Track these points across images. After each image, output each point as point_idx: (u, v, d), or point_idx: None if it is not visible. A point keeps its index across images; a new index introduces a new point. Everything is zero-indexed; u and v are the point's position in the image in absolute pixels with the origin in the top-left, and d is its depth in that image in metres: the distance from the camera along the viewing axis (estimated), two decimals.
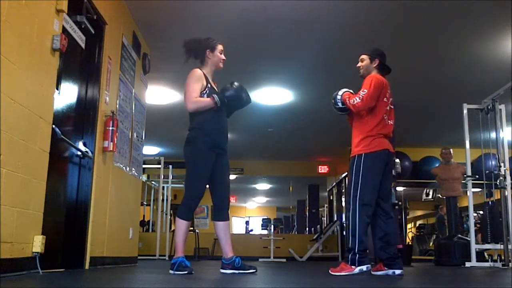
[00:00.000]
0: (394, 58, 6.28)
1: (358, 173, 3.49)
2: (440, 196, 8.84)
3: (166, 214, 10.27)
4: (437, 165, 8.33)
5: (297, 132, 9.62)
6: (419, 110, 8.28)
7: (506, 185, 5.79)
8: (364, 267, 3.39)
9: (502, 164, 5.83)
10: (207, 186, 3.52)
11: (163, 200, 10.23)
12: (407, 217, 13.10)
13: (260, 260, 9.62)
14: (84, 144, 3.89)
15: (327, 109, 4.33)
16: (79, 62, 3.88)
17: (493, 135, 6.12)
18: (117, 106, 4.54)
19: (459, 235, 7.15)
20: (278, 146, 11.01)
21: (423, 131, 9.62)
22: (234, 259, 3.45)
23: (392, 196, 7.63)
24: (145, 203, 12.21)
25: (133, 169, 5.18)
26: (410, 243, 12.30)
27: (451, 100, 7.36)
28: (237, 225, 19.00)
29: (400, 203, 9.03)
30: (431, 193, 12.10)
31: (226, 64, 3.74)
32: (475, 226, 7.28)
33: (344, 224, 3.55)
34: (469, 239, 6.46)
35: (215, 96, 3.43)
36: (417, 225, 15.49)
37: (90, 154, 3.88)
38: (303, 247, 10.97)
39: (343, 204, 10.43)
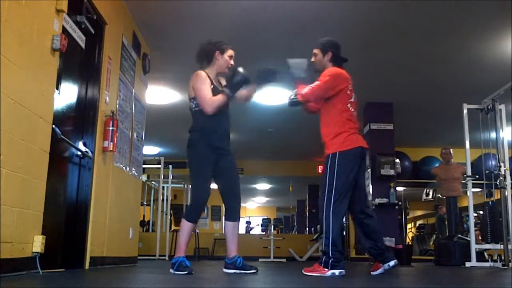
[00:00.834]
0: (394, 58, 6.34)
1: (332, 173, 3.40)
2: (440, 196, 8.84)
3: (166, 214, 10.27)
4: (437, 165, 8.33)
5: (297, 132, 9.62)
6: (419, 110, 8.29)
7: (506, 185, 5.79)
8: (336, 272, 3.26)
9: (502, 164, 5.83)
10: (217, 187, 3.55)
11: (163, 200, 10.23)
12: (407, 217, 13.09)
13: (260, 260, 9.62)
14: (84, 144, 3.89)
15: None
16: (79, 62, 3.88)
17: (493, 135, 6.12)
18: (117, 106, 4.54)
19: (459, 235, 7.15)
20: (278, 146, 11.01)
21: (423, 131, 9.62)
22: (236, 259, 3.46)
23: (392, 196, 7.66)
24: (145, 203, 12.21)
25: (133, 169, 5.18)
26: (410, 243, 12.29)
27: (451, 100, 7.36)
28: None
29: (400, 203, 9.02)
30: (431, 193, 12.09)
31: None
32: (475, 226, 7.28)
33: (323, 225, 3.41)
34: (469, 239, 6.46)
35: (224, 90, 3.42)
36: (417, 225, 15.48)
37: (90, 154, 3.88)
38: (303, 247, 10.97)
39: None
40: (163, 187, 10.31)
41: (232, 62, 3.60)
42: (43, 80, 2.94)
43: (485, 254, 6.67)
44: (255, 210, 20.59)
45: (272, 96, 7.66)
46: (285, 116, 8.54)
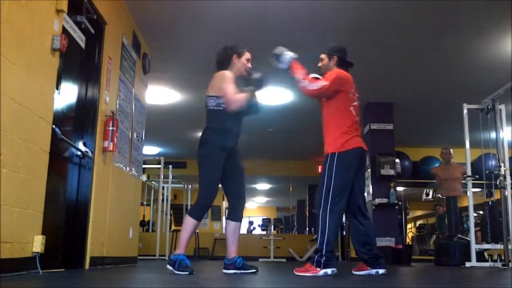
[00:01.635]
0: (394, 58, 6.34)
1: (330, 173, 3.41)
2: (440, 196, 8.84)
3: (166, 214, 10.27)
4: (437, 165, 8.33)
5: (297, 132, 9.62)
6: (419, 110, 8.29)
7: (506, 185, 5.79)
8: (329, 270, 3.28)
9: (502, 164, 5.83)
10: (221, 186, 3.55)
11: (163, 200, 10.23)
12: (407, 217, 13.09)
13: (260, 260, 9.62)
14: (84, 144, 3.89)
15: None
16: (79, 62, 3.88)
17: (493, 135, 6.12)
18: (117, 106, 4.54)
19: (459, 235, 7.15)
20: (278, 146, 11.02)
21: (423, 131, 9.62)
22: (235, 259, 3.46)
23: (392, 196, 7.65)
24: (145, 203, 12.21)
25: (133, 169, 5.18)
26: (410, 243, 12.29)
27: (451, 100, 7.36)
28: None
29: (400, 203, 9.02)
30: (431, 193, 12.10)
31: None
32: (475, 226, 7.28)
33: (320, 224, 3.42)
34: (469, 239, 6.46)
35: (247, 88, 3.47)
36: (417, 225, 15.49)
37: (90, 154, 3.88)
38: (303, 247, 10.97)
39: None
40: (163, 187, 10.31)
41: (249, 65, 3.63)
42: (43, 80, 2.95)
43: (485, 254, 6.67)
44: (255, 210, 20.57)
45: (272, 96, 7.66)
46: (285, 116, 8.55)
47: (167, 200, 10.53)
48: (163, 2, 4.83)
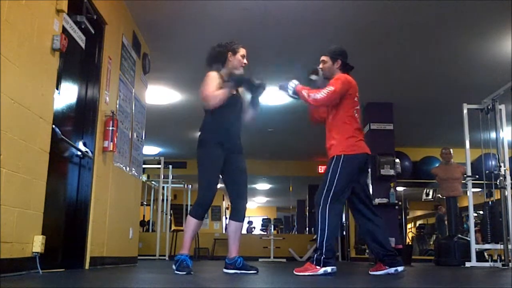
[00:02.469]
0: (394, 58, 6.34)
1: (334, 174, 3.42)
2: (440, 196, 8.83)
3: (166, 214, 10.27)
4: (437, 165, 8.33)
5: (297, 132, 9.62)
6: (419, 110, 8.29)
7: (506, 185, 5.79)
8: (329, 269, 3.28)
9: (502, 164, 5.83)
10: (223, 186, 3.57)
11: (163, 200, 10.23)
12: (407, 217, 13.09)
13: (260, 260, 9.62)
14: (84, 144, 3.89)
15: None
16: (79, 62, 3.88)
17: (493, 135, 6.12)
18: (117, 106, 4.54)
19: (459, 235, 7.15)
20: (278, 146, 11.02)
21: (423, 131, 9.62)
22: (236, 259, 3.46)
23: (392, 196, 7.66)
24: (145, 203, 12.21)
25: (133, 169, 5.18)
26: (410, 243, 12.29)
27: (451, 100, 7.36)
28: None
29: (400, 203, 9.02)
30: (431, 193, 12.10)
31: None
32: (475, 226, 7.28)
33: (319, 223, 3.43)
34: (469, 239, 6.46)
35: (226, 83, 3.44)
36: (417, 225, 15.49)
37: (90, 154, 3.88)
38: (303, 247, 10.97)
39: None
40: (163, 187, 10.31)
41: (245, 61, 3.61)
42: (43, 80, 2.94)
43: (485, 254, 6.67)
44: (255, 210, 20.58)
45: (272, 96, 7.65)
46: (285, 116, 8.55)
47: (167, 200, 10.53)
48: (163, 2, 4.83)
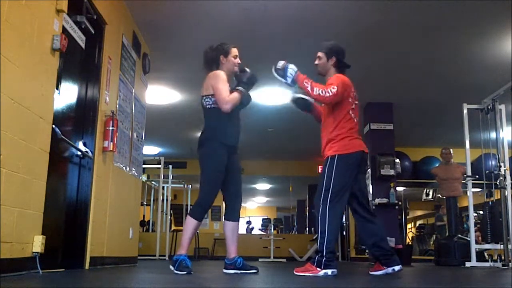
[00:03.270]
0: (394, 58, 6.34)
1: (330, 174, 3.41)
2: (440, 196, 8.83)
3: (166, 214, 10.27)
4: (437, 165, 8.33)
5: (297, 132, 9.62)
6: (419, 110, 8.29)
7: (506, 185, 5.79)
8: (329, 271, 3.26)
9: (502, 164, 5.83)
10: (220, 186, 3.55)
11: (163, 200, 10.23)
12: (407, 217, 13.09)
13: (260, 260, 9.62)
14: (84, 144, 3.89)
15: None
16: (79, 62, 3.88)
17: (493, 135, 6.12)
18: (117, 106, 4.54)
19: (459, 235, 7.15)
20: (278, 146, 11.01)
21: (423, 131, 9.62)
22: (236, 259, 3.46)
23: (392, 196, 7.65)
24: (145, 203, 12.21)
25: (133, 169, 5.18)
26: (410, 243, 12.29)
27: (451, 100, 7.36)
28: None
29: (400, 203, 9.02)
30: (431, 193, 12.10)
31: None
32: (475, 226, 7.27)
33: (319, 225, 3.42)
34: (469, 239, 6.46)
35: (239, 88, 3.45)
36: (417, 225, 15.48)
37: (90, 154, 3.88)
38: (303, 247, 10.97)
39: None
40: (163, 187, 10.31)
41: (238, 60, 3.61)
42: (43, 80, 2.94)
43: (485, 254, 6.67)
44: (255, 210, 20.58)
45: (272, 96, 7.66)
46: (285, 116, 8.54)
47: (167, 200, 10.54)
48: (163, 2, 4.83)
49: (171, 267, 3.29)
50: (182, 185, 12.10)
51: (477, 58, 6.13)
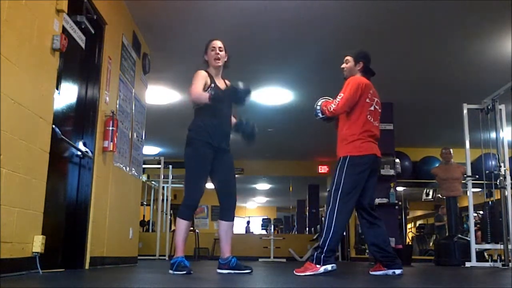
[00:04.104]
0: (395, 58, 6.33)
1: (341, 175, 3.46)
2: (440, 196, 8.82)
3: (166, 214, 10.27)
4: (437, 165, 8.33)
5: (297, 132, 9.62)
6: (419, 110, 8.28)
7: (506, 185, 5.79)
8: (329, 267, 3.30)
9: (502, 164, 5.83)
10: (214, 186, 3.56)
11: (163, 200, 10.23)
12: (407, 217, 13.09)
13: (260, 260, 9.62)
14: (84, 144, 3.89)
15: None
16: (79, 62, 3.88)
17: (493, 135, 6.12)
18: (117, 106, 4.54)
19: (459, 235, 7.15)
20: (278, 146, 11.01)
21: (423, 131, 9.62)
22: (230, 259, 3.46)
23: (392, 196, 7.65)
24: (145, 203, 12.21)
25: (133, 169, 5.18)
26: (410, 243, 12.29)
27: (451, 100, 7.35)
28: (237, 225, 19.00)
29: (400, 203, 9.02)
30: (431, 193, 12.10)
31: None
32: (475, 226, 7.27)
33: (326, 221, 3.48)
34: (469, 239, 6.45)
35: (210, 91, 3.42)
36: (417, 225, 15.48)
37: (90, 154, 3.88)
38: (303, 247, 10.97)
39: None
40: (163, 187, 10.31)
41: (217, 51, 3.55)
42: (43, 80, 2.94)
43: (485, 254, 6.67)
44: (255, 210, 20.58)
45: (272, 96, 7.66)
46: (285, 116, 8.55)
47: (167, 200, 10.53)
48: (163, 2, 4.83)
49: (170, 271, 3.28)
50: (182, 185, 12.07)
51: (477, 58, 6.13)
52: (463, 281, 3.27)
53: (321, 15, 5.08)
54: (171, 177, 10.35)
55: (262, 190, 16.80)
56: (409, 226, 14.72)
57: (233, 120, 3.67)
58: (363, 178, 3.51)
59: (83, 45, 3.69)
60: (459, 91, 7.13)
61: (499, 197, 5.95)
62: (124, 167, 4.80)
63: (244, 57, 6.03)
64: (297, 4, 4.85)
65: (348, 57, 3.76)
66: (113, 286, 2.34)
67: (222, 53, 3.58)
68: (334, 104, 3.54)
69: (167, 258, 8.73)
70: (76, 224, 3.77)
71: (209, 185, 3.70)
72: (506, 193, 5.82)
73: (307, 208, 15.08)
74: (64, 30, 3.21)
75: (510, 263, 5.59)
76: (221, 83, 3.59)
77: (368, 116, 3.57)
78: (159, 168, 9.56)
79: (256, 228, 18.48)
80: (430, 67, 6.50)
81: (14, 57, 2.59)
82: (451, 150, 7.50)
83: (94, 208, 3.91)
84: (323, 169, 12.50)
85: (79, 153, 3.76)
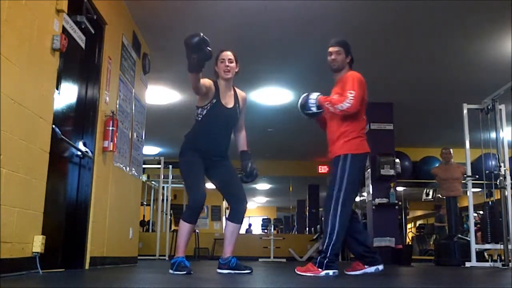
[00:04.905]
0: (395, 58, 6.34)
1: (342, 175, 3.34)
2: (440, 196, 8.82)
3: (166, 214, 10.27)
4: (437, 165, 8.33)
5: (297, 132, 9.62)
6: (419, 110, 8.29)
7: (506, 185, 5.79)
8: (330, 272, 3.25)
9: (502, 164, 5.83)
10: (221, 194, 3.65)
11: (163, 200, 10.23)
12: (407, 217, 13.09)
13: (260, 260, 9.62)
14: (84, 144, 3.89)
15: None
16: (79, 62, 3.88)
17: (493, 135, 6.12)
18: (117, 106, 4.54)
19: (459, 235, 7.15)
20: (278, 146, 11.01)
21: (423, 131, 9.62)
22: (230, 259, 3.46)
23: (392, 196, 7.66)
24: (145, 203, 12.20)
25: (133, 169, 5.18)
26: (410, 243, 12.29)
27: (451, 100, 7.36)
28: None
29: (400, 203, 9.02)
30: (431, 193, 12.10)
31: None
32: (475, 226, 7.27)
33: (329, 225, 3.39)
34: (469, 239, 6.45)
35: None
36: (417, 225, 15.49)
37: (90, 154, 3.88)
38: (303, 247, 10.97)
39: None
40: (163, 187, 10.31)
41: (227, 63, 3.53)
42: (43, 80, 2.94)
43: (485, 254, 6.67)
44: (255, 210, 20.57)
45: (272, 96, 7.66)
46: (285, 116, 8.54)
47: (167, 200, 10.53)
48: (163, 2, 4.83)
49: (170, 271, 3.29)
50: (182, 185, 12.08)
51: (477, 58, 6.13)
52: (463, 281, 3.27)
53: (321, 15, 5.08)
54: (171, 177, 10.34)
55: (262, 190, 16.80)
56: (409, 226, 14.73)
57: (244, 145, 3.75)
58: (360, 176, 3.50)
59: (83, 45, 3.69)
60: (459, 91, 7.13)
61: (499, 197, 5.95)
62: (124, 167, 4.80)
63: (244, 57, 5.98)
64: (297, 4, 4.85)
65: (339, 48, 3.60)
66: (113, 286, 2.34)
67: (232, 64, 3.54)
68: (349, 103, 3.31)
69: (167, 258, 8.73)
70: (76, 224, 3.77)
71: (209, 185, 3.71)
72: (506, 193, 5.82)
73: (307, 208, 15.08)
74: (64, 30, 3.21)
75: (510, 263, 5.59)
76: (229, 96, 3.56)
77: (363, 113, 3.54)
78: (159, 168, 9.56)
79: (256, 228, 18.49)
80: (430, 67, 6.50)
81: (14, 57, 2.59)
82: (451, 150, 7.49)
83: (94, 208, 3.91)
84: (323, 169, 12.50)
85: (79, 153, 3.76)
